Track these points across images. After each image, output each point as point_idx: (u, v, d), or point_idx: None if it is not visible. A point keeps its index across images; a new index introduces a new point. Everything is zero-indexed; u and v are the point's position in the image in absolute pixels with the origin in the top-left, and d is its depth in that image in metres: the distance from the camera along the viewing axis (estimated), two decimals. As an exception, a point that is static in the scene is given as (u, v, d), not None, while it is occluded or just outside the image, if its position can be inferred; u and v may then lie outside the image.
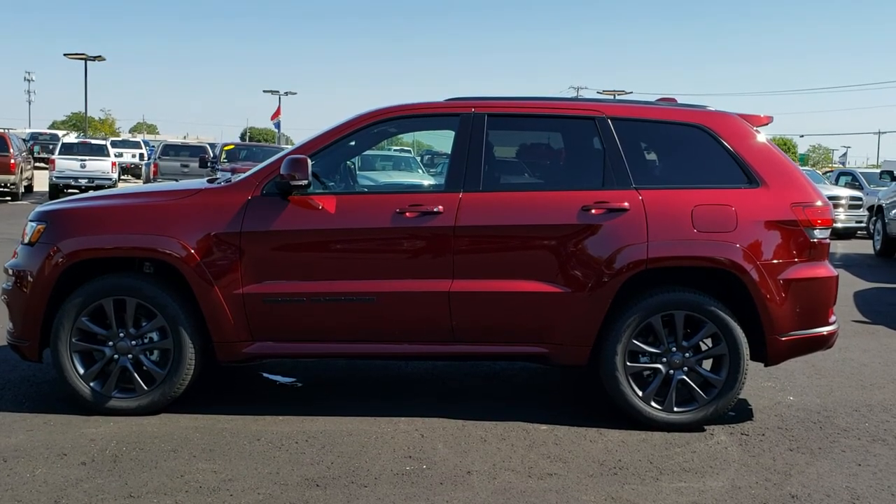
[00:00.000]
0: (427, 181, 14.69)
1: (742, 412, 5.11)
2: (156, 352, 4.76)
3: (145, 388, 4.70)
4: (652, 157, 5.07)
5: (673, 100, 5.35)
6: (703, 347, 4.79)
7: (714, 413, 4.72)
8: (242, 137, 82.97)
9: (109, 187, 21.84)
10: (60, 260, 4.66)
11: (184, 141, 42.39)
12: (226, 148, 21.72)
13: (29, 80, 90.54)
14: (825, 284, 4.82)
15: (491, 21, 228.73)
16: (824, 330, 4.84)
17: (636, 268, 4.62)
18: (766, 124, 5.05)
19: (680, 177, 4.87)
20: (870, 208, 17.18)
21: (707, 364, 4.83)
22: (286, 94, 50.69)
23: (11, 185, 21.59)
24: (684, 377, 4.71)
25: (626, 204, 4.68)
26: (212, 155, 22.18)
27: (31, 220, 4.93)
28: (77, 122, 78.26)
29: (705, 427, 4.76)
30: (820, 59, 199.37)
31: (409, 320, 4.73)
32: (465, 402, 5.19)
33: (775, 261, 4.67)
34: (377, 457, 4.20)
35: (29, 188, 24.88)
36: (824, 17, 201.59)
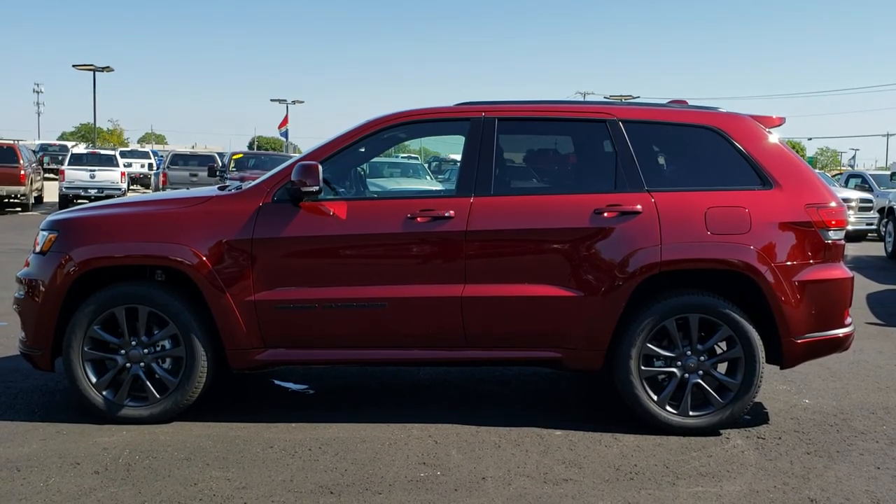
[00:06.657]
0: (436, 188, 14.66)
1: (758, 416, 5.06)
2: (168, 360, 4.75)
3: (158, 396, 4.69)
4: (664, 159, 5.03)
5: (684, 102, 5.32)
6: (718, 351, 4.75)
7: (730, 417, 4.68)
8: (250, 146, 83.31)
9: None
10: (72, 268, 4.66)
11: (192, 150, 42.53)
12: (234, 157, 21.81)
13: (38, 92, 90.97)
14: (840, 286, 4.78)
15: (498, 27, 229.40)
16: (840, 332, 4.80)
17: (650, 271, 4.59)
18: (779, 125, 5.01)
19: (692, 179, 4.84)
20: (880, 210, 17.10)
21: (722, 367, 4.80)
22: (293, 102, 50.89)
23: (21, 196, 21.71)
24: (699, 381, 4.67)
25: (638, 207, 4.65)
26: (220, 164, 22.24)
27: (42, 230, 4.94)
28: (86, 133, 78.66)
29: (721, 431, 4.72)
30: (827, 61, 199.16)
31: (421, 326, 4.71)
32: (479, 408, 5.16)
33: (790, 262, 4.63)
34: (391, 463, 4.18)
35: (39, 199, 25.01)
36: (831, 19, 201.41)
